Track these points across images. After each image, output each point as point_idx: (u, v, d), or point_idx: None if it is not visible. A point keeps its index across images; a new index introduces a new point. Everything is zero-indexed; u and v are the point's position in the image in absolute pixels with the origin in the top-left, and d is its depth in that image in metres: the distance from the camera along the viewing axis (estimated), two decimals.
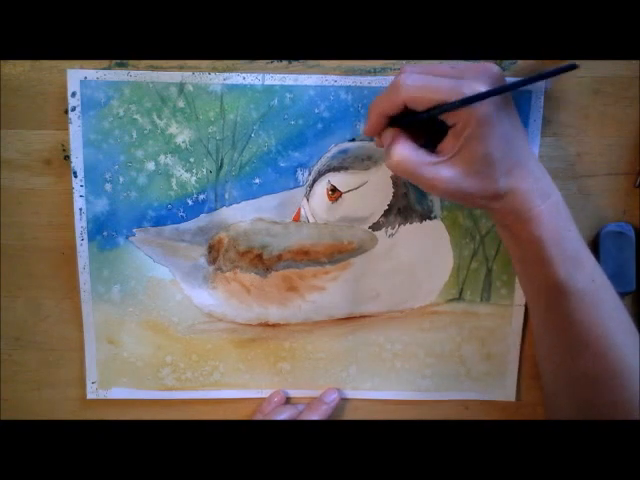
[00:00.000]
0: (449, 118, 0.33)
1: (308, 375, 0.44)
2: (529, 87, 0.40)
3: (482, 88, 0.32)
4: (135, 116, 0.40)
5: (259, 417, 0.42)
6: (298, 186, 0.41)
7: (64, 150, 0.40)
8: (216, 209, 0.41)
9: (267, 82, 0.39)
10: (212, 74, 0.39)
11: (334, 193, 0.41)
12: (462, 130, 0.33)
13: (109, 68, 0.39)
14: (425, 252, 0.42)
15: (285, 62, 0.40)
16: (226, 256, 0.42)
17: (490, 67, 0.33)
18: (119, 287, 0.42)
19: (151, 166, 0.40)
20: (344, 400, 0.44)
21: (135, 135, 0.40)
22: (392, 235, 0.42)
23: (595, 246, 0.43)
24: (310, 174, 0.41)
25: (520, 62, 0.40)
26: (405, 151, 0.34)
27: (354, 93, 0.40)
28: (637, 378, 0.34)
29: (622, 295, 0.43)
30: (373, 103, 0.35)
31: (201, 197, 0.41)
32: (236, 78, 0.39)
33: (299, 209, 0.41)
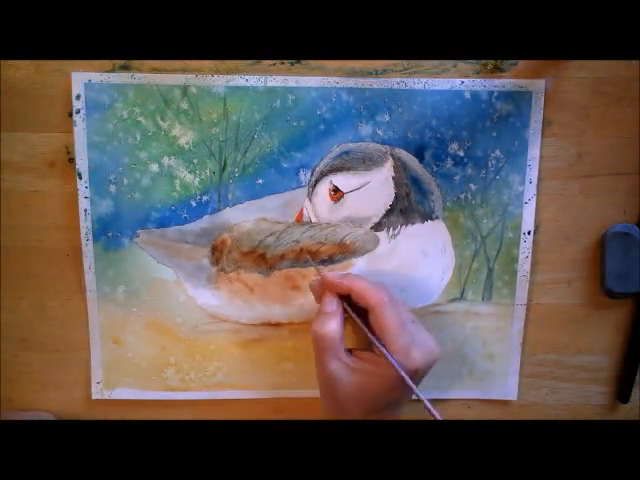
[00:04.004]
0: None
1: (311, 375, 0.44)
2: (529, 88, 0.40)
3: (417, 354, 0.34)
4: (139, 118, 0.40)
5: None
6: (301, 186, 0.41)
7: (68, 152, 0.41)
8: (219, 210, 0.41)
9: (269, 84, 0.40)
10: (215, 76, 0.40)
11: (336, 193, 0.41)
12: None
13: (113, 71, 0.39)
14: (427, 252, 0.42)
15: (287, 64, 0.40)
16: (229, 257, 0.42)
17: (436, 354, 0.36)
18: (124, 287, 0.42)
19: (155, 168, 0.41)
20: None
21: (139, 137, 0.40)
22: (394, 235, 0.42)
23: (601, 246, 0.43)
24: (312, 174, 0.41)
25: (521, 62, 0.40)
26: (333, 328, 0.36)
27: (355, 94, 0.40)
28: None
29: (627, 296, 0.43)
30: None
31: (204, 198, 0.41)
32: (239, 80, 0.40)
33: (302, 209, 0.41)
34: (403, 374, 0.34)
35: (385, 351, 0.34)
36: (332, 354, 0.36)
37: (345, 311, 0.37)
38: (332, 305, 0.37)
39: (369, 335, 0.36)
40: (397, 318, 0.35)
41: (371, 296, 0.35)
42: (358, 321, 0.36)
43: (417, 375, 0.35)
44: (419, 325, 0.37)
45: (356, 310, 0.36)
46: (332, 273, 0.38)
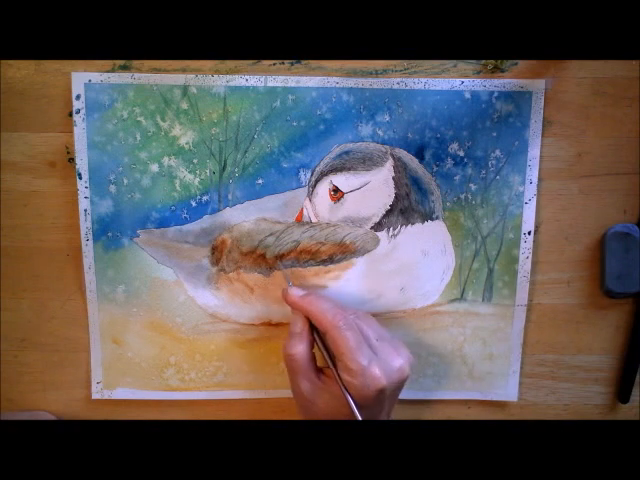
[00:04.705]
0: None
1: None
2: (529, 88, 0.40)
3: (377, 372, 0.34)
4: (139, 118, 0.40)
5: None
6: (301, 186, 0.41)
7: (68, 152, 0.41)
8: (219, 210, 0.41)
9: (269, 84, 0.40)
10: (215, 76, 0.40)
11: (336, 193, 0.41)
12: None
13: (113, 71, 0.39)
14: (427, 253, 0.42)
15: (287, 64, 0.40)
16: (229, 257, 0.42)
17: (404, 370, 0.35)
18: (124, 287, 0.42)
19: (155, 168, 0.41)
20: None
21: (139, 137, 0.40)
22: (394, 236, 0.42)
23: (601, 246, 0.43)
24: (312, 174, 0.41)
25: (521, 62, 0.40)
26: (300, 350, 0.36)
27: (355, 95, 0.40)
28: None
29: (627, 296, 0.43)
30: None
31: (204, 198, 0.41)
32: (239, 80, 0.40)
33: (302, 209, 0.41)
34: (348, 397, 0.34)
35: (335, 374, 0.34)
36: (302, 374, 0.36)
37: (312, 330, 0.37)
38: (298, 326, 0.37)
39: (326, 357, 0.36)
40: (353, 339, 0.34)
41: (326, 319, 0.35)
42: (319, 343, 0.37)
43: (384, 394, 0.34)
44: (387, 343, 0.36)
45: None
46: (295, 290, 0.38)
